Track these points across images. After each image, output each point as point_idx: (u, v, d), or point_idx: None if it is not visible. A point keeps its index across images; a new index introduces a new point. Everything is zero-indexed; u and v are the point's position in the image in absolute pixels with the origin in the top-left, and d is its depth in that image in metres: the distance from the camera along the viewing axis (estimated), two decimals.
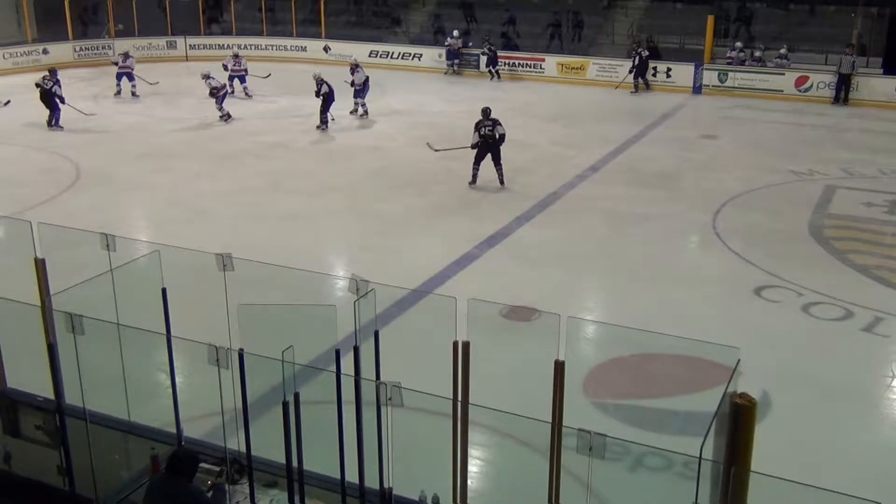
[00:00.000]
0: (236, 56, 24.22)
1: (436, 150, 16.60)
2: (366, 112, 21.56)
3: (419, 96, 24.17)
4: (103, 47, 28.88)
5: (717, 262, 12.61)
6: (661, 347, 9.04)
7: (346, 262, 12.62)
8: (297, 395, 5.10)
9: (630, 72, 24.71)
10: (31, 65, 27.16)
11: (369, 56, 28.61)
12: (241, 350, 5.20)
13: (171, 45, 29.74)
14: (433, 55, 27.73)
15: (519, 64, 27.00)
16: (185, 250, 7.10)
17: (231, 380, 5.31)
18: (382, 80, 25.92)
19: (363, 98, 21.47)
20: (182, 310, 6.39)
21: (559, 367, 4.76)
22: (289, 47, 29.67)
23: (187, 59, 29.56)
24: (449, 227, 13.85)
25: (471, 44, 27.18)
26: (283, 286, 7.91)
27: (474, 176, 15.78)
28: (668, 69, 25.28)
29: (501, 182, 15.72)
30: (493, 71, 26.80)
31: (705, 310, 10.82)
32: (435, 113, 22.18)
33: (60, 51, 27.93)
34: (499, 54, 26.83)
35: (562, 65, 26.38)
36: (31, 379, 6.77)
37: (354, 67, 21.49)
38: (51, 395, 6.34)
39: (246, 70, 23.97)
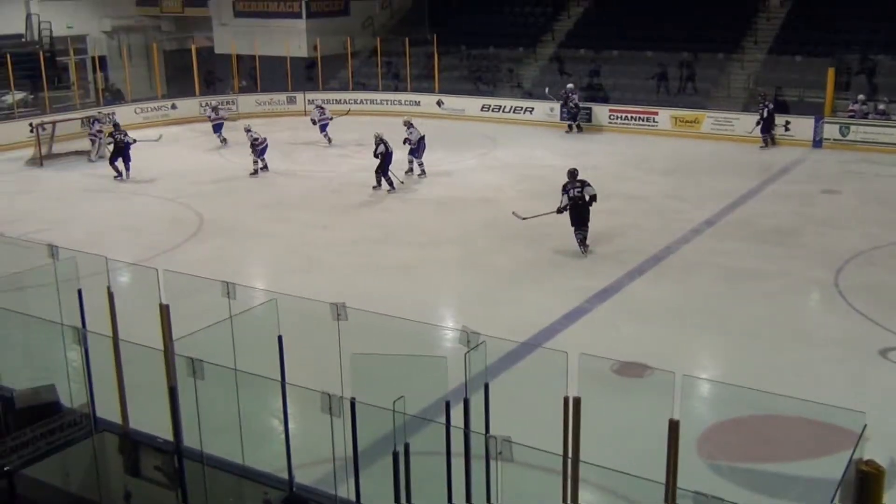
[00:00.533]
0: (321, 107, 25.96)
1: (523, 219, 15.41)
2: (423, 171, 20.78)
3: (530, 150, 24.26)
4: (227, 102, 30.15)
5: (839, 321, 12.12)
6: (781, 409, 8.70)
7: (456, 314, 12.67)
8: (407, 446, 5.13)
9: (757, 124, 24.21)
10: (160, 119, 28.56)
11: (481, 110, 28.98)
12: (353, 399, 5.27)
13: (291, 101, 30.81)
14: (545, 109, 27.85)
15: (631, 117, 26.85)
16: (301, 299, 7.27)
17: (342, 428, 5.38)
18: (494, 134, 26.25)
19: (419, 157, 20.71)
20: (296, 357, 6.53)
21: (673, 427, 4.64)
22: (403, 102, 30.29)
23: (306, 114, 30.54)
24: (559, 280, 13.77)
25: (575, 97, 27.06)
26: (394, 336, 7.98)
27: (581, 244, 14.78)
28: (787, 122, 24.67)
29: (583, 245, 14.77)
30: (573, 124, 26.80)
31: (827, 371, 10.39)
32: (545, 166, 22.22)
33: (187, 106, 29.30)
34: (610, 108, 26.83)
35: (675, 118, 26.08)
36: (152, 420, 7.01)
37: (409, 125, 20.89)
38: (170, 437, 6.55)
39: (330, 118, 25.39)
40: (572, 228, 14.86)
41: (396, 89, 30.99)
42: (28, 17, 30.70)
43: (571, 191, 14.80)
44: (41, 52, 28.33)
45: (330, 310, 6.09)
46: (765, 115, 24.12)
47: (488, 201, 18.76)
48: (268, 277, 14.31)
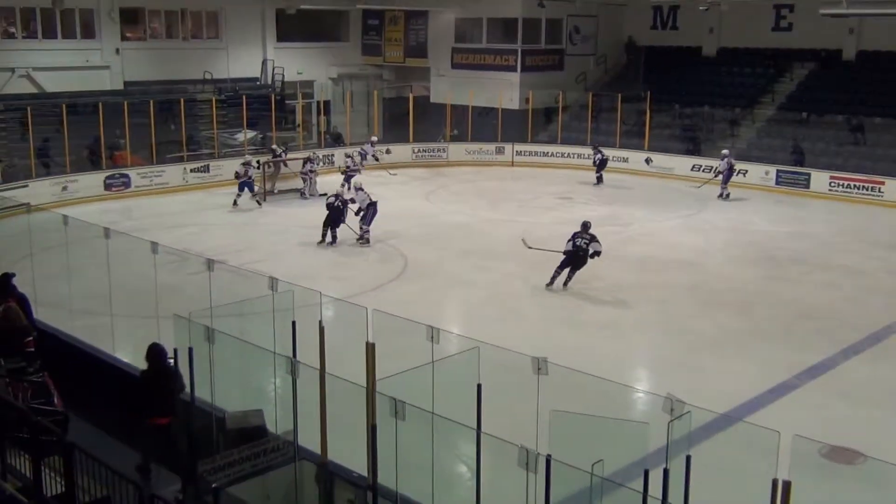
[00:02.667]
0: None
1: (529, 248, 17.04)
2: (366, 239, 19.36)
3: (740, 214, 23.38)
4: (438, 150, 31.07)
5: None
6: None
7: (655, 378, 12.33)
8: None
9: None
10: (371, 163, 29.77)
11: (691, 169, 28.26)
12: (549, 456, 5.21)
13: (500, 151, 31.35)
14: (760, 172, 26.83)
15: (854, 186, 25.37)
16: (503, 349, 7.30)
17: (535, 483, 5.32)
18: (703, 194, 25.45)
19: (367, 225, 19.34)
20: (494, 407, 6.55)
21: None
22: (612, 158, 30.13)
23: (513, 165, 30.98)
24: (767, 352, 13.11)
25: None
26: (592, 396, 7.86)
27: (553, 279, 15.92)
28: None
29: (564, 285, 15.91)
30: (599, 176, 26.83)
31: None
32: (756, 231, 21.35)
33: (401, 151, 30.42)
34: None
35: None
36: (349, 454, 7.22)
37: (358, 189, 19.82)
38: (364, 472, 6.72)
39: (358, 170, 25.11)
40: (555, 269, 15.91)
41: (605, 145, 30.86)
42: (264, 62, 33.03)
43: (578, 240, 16.02)
44: (272, 95, 30.34)
45: (531, 363, 6.08)
46: None
47: (692, 264, 18.21)
48: (466, 324, 14.48)
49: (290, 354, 7.49)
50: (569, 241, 16.04)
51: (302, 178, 24.81)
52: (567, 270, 15.98)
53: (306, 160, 25.08)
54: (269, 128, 29.37)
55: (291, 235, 20.40)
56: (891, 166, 25.45)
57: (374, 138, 28.87)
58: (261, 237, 20.34)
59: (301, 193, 24.63)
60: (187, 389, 8.01)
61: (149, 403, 8.30)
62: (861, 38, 30.00)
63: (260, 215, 22.71)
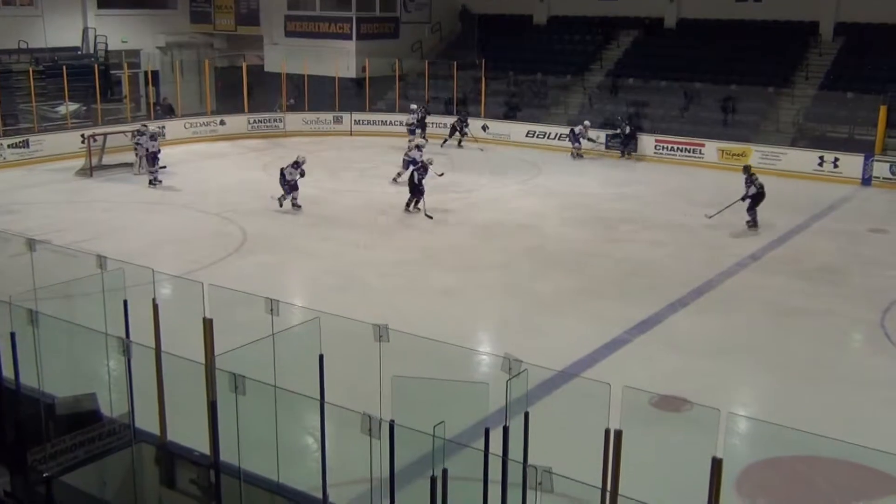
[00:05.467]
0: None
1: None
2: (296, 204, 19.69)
3: (573, 178, 24.19)
4: (275, 120, 30.48)
5: (885, 363, 11.87)
6: (824, 451, 8.51)
7: (496, 340, 12.62)
8: (444, 471, 5.09)
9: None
10: (208, 134, 28.95)
11: (526, 136, 28.97)
12: (393, 421, 5.25)
13: (338, 120, 31.09)
14: (591, 137, 27.77)
15: (677, 148, 26.68)
16: (344, 318, 7.28)
17: (380, 449, 5.36)
18: (538, 161, 26.22)
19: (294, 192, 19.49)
20: (337, 376, 6.53)
21: (717, 465, 4.55)
22: (447, 125, 30.47)
23: (351, 134, 30.79)
24: (600, 309, 13.67)
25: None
26: (434, 359, 7.97)
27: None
28: (836, 159, 24.37)
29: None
30: (625, 151, 26.94)
31: (873, 414, 10.16)
32: (589, 194, 22.14)
33: (236, 122, 29.66)
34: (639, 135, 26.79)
35: (722, 150, 25.87)
36: (190, 433, 7.05)
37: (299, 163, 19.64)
38: (207, 451, 6.57)
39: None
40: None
41: (445, 112, 31.14)
42: (85, 30, 31.35)
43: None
44: (96, 65, 28.87)
45: (372, 331, 6.09)
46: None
47: (531, 227, 18.71)
48: (308, 295, 14.36)
49: (123, 335, 7.21)
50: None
51: (135, 152, 23.77)
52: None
53: (136, 132, 24.07)
54: (93, 100, 27.95)
55: (122, 212, 19.58)
56: (710, 129, 26.92)
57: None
58: (89, 215, 19.40)
59: (132, 168, 23.65)
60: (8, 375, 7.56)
61: None
62: (681, 6, 31.51)
63: (87, 192, 21.66)
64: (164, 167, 23.09)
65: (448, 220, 19.33)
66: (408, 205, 19.59)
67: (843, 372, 11.51)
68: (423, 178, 19.42)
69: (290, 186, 19.49)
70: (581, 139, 26.90)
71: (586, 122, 27.20)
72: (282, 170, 19.64)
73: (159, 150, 22.59)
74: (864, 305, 13.95)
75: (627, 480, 5.01)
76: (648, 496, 4.81)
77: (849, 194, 22.85)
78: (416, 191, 19.42)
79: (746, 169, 19.40)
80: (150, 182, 22.12)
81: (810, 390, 10.79)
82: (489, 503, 5.33)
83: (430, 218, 18.90)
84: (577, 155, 26.99)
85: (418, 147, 21.24)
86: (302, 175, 19.55)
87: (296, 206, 19.66)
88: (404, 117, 29.12)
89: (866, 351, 12.69)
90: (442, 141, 28.08)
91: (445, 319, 12.79)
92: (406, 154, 21.57)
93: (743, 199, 18.67)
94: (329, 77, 31.17)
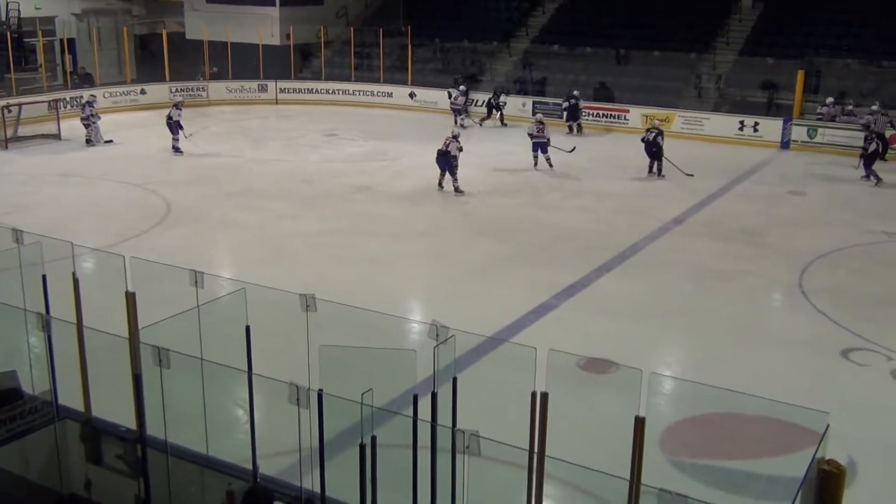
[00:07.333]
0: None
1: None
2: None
3: (501, 144, 24.27)
4: (198, 89, 29.85)
5: (802, 321, 12.27)
6: (744, 407, 8.79)
7: (425, 307, 12.67)
8: (373, 439, 5.11)
9: None
10: (129, 104, 28.24)
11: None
12: (321, 391, 5.25)
13: (263, 89, 30.60)
14: (518, 104, 27.89)
15: (603, 114, 26.97)
16: (270, 289, 7.22)
17: (309, 419, 5.36)
18: (468, 129, 26.20)
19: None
20: (264, 347, 6.49)
21: (639, 424, 4.67)
22: (375, 93, 30.24)
23: (277, 103, 30.36)
24: (529, 275, 13.81)
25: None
26: (363, 328, 7.98)
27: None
28: (756, 123, 24.93)
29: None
30: (573, 125, 26.44)
31: (790, 371, 10.52)
32: (517, 161, 22.24)
33: (157, 91, 28.96)
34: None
35: (646, 116, 26.23)
36: (115, 409, 6.94)
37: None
38: (133, 426, 6.49)
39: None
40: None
41: (369, 80, 30.89)
42: None
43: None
44: (8, 33, 27.84)
45: (299, 301, 6.06)
46: None
47: (458, 195, 18.74)
48: (235, 266, 14.21)
49: (43, 311, 7.03)
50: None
51: (84, 124, 23.08)
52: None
53: (86, 104, 23.44)
54: (6, 69, 26.97)
55: (40, 184, 19.02)
56: (634, 95, 27.25)
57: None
58: (4, 188, 18.80)
59: (88, 140, 22.99)
60: None
61: None
62: None
63: (2, 164, 20.97)
64: (111, 141, 22.73)
65: (375, 188, 19.26)
66: (444, 183, 19.00)
67: (761, 331, 11.86)
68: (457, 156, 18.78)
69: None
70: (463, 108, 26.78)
71: (462, 87, 27.12)
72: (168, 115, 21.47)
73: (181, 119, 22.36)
74: (782, 266, 14.37)
75: (554, 442, 5.10)
76: (575, 456, 4.91)
77: (768, 158, 23.43)
78: (449, 167, 18.76)
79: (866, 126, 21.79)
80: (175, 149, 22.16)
81: (732, 350, 11.10)
82: (419, 468, 5.38)
83: (462, 193, 18.66)
84: (468, 121, 26.81)
85: (455, 138, 19.30)
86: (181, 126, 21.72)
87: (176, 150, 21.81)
88: (332, 85, 28.71)
89: (784, 310, 13.09)
90: (479, 120, 27.30)
91: (374, 288, 12.79)
92: (446, 144, 19.10)
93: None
94: (253, 44, 30.62)
